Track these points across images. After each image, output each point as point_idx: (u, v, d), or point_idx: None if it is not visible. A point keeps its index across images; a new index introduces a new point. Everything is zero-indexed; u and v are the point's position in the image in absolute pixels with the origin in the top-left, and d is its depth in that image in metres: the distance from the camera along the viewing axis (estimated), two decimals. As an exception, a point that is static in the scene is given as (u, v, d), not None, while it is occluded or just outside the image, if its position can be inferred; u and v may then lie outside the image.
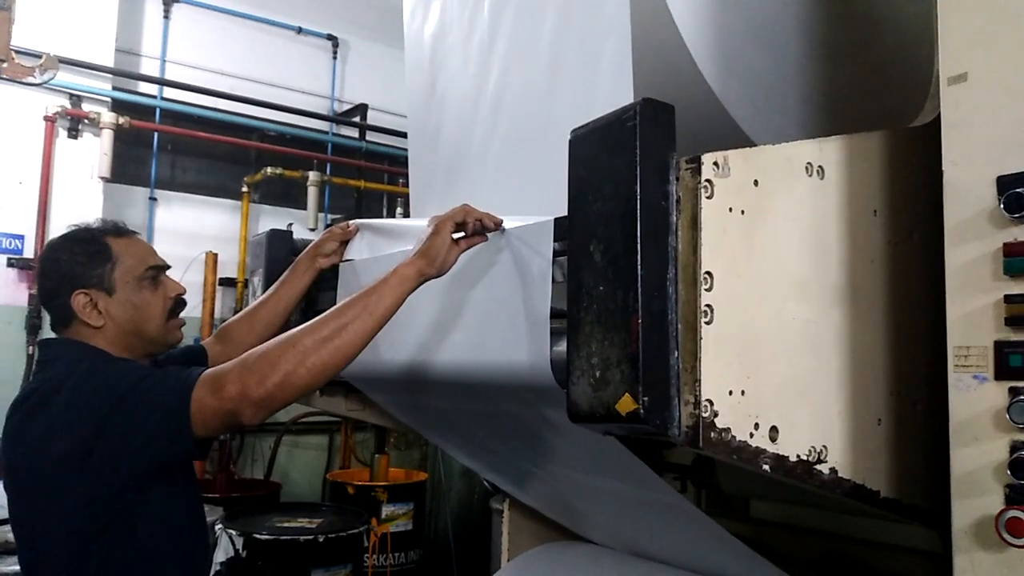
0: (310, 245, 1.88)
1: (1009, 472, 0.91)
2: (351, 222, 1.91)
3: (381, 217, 4.66)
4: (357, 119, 5.28)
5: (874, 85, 1.72)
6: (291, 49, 5.22)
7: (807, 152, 1.11)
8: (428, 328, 1.55)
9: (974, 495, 0.95)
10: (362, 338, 1.33)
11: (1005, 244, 0.93)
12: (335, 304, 1.38)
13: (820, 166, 1.12)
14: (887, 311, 1.16)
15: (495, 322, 1.40)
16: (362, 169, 5.22)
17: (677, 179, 1.00)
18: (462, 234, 1.40)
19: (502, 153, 1.68)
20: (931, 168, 1.05)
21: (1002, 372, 0.94)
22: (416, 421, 2.07)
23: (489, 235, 1.40)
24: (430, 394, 1.78)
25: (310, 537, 3.06)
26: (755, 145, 1.46)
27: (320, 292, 1.90)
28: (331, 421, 4.74)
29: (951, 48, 1.02)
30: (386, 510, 4.00)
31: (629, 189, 0.97)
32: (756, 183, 1.04)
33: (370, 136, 5.29)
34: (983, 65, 0.99)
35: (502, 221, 1.39)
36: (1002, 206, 0.93)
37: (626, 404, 0.95)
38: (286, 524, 3.23)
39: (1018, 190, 0.92)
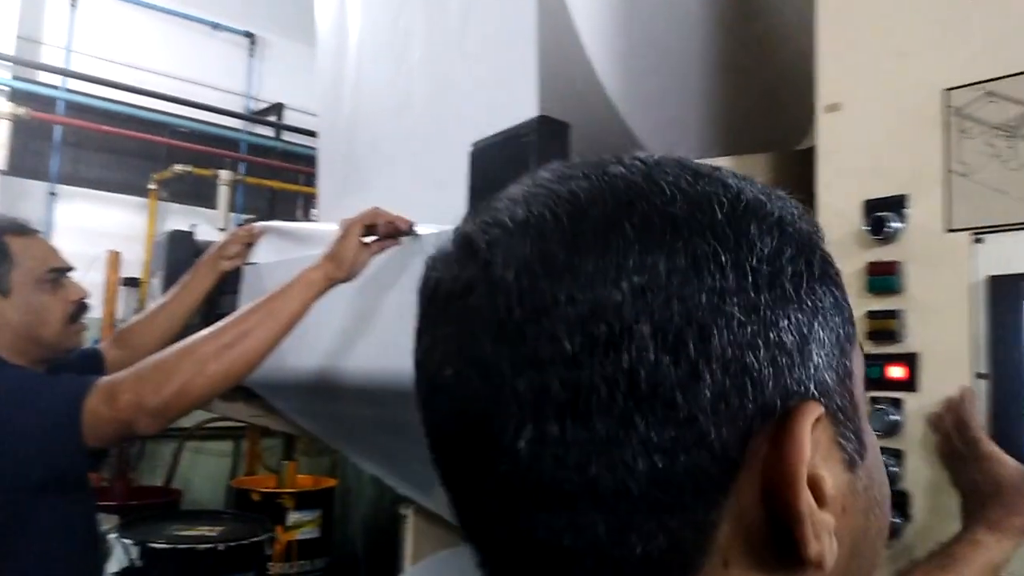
0: (212, 247, 1.85)
1: (867, 476, 0.98)
2: (256, 224, 1.88)
3: (295, 219, 4.59)
4: (273, 118, 5.19)
5: (769, 108, 1.81)
6: (206, 45, 5.09)
7: (696, 171, 1.16)
8: (335, 333, 1.54)
9: (838, 498, 1.01)
10: (266, 344, 1.31)
11: (869, 263, 1.00)
12: (237, 308, 1.36)
13: (708, 185, 1.17)
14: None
15: (403, 328, 1.40)
16: (277, 169, 5.12)
17: (571, 193, 1.03)
18: (373, 237, 1.39)
19: (411, 159, 1.69)
20: (810, 190, 1.12)
21: (864, 384, 1.00)
22: (318, 427, 2.05)
23: (403, 240, 1.40)
24: (334, 400, 1.76)
25: (210, 545, 2.98)
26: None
27: (223, 296, 1.87)
28: (237, 427, 4.61)
29: (827, 79, 1.09)
30: (292, 517, 3.92)
31: (523, 202, 1.00)
32: (646, 199, 1.08)
33: (286, 136, 5.20)
34: (855, 96, 1.06)
35: (414, 223, 1.39)
36: (867, 228, 1.00)
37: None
38: (185, 532, 3.13)
39: (880, 214, 0.99)
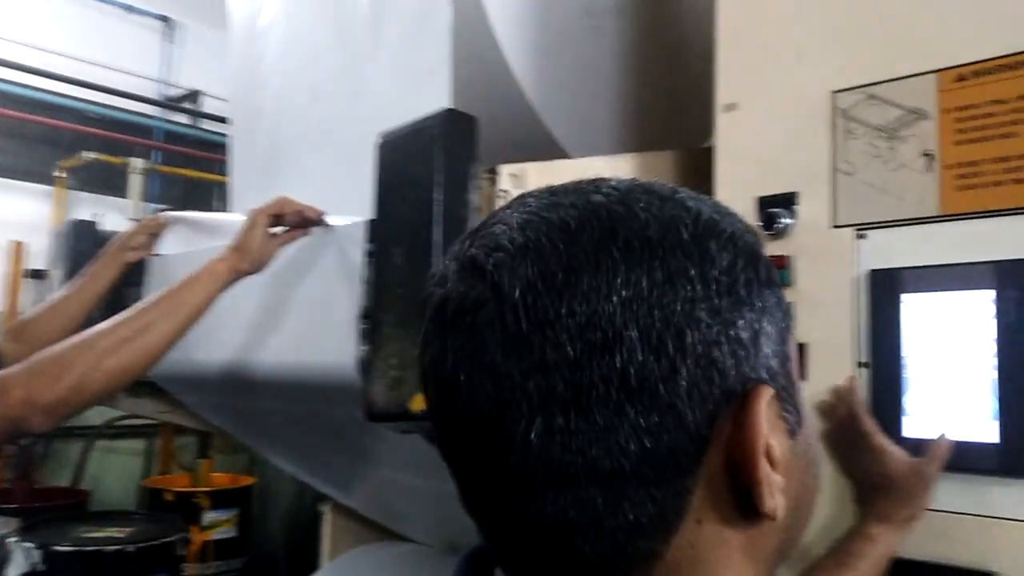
0: (117, 237, 1.78)
1: (758, 462, 1.02)
2: (163, 214, 1.82)
3: (212, 210, 4.47)
4: (189, 105, 5.02)
5: (680, 108, 1.86)
6: (119, 28, 4.89)
7: (600, 167, 1.19)
8: (246, 326, 1.51)
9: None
10: (167, 339, 1.27)
11: (762, 258, 1.04)
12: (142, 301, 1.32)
13: (613, 181, 1.20)
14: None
15: (312, 322, 1.38)
16: (193, 158, 4.96)
17: (478, 188, 1.05)
18: (282, 228, 1.37)
19: (324, 149, 1.67)
20: (711, 187, 1.15)
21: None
22: (229, 423, 2.01)
23: (313, 230, 1.38)
24: (244, 395, 1.73)
25: (118, 547, 2.88)
26: (571, 159, 1.55)
27: (127, 288, 1.80)
28: (149, 424, 4.47)
29: (725, 79, 1.13)
30: (208, 517, 3.83)
31: (429, 195, 1.00)
32: (552, 194, 1.10)
33: (203, 124, 5.05)
34: (751, 96, 1.10)
35: (324, 214, 1.37)
36: (760, 224, 1.04)
37: (419, 403, 0.98)
38: (92, 534, 3.01)
39: (771, 210, 1.03)
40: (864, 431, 0.93)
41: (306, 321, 1.41)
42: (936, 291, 0.92)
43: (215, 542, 3.80)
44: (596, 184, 0.43)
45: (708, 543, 0.41)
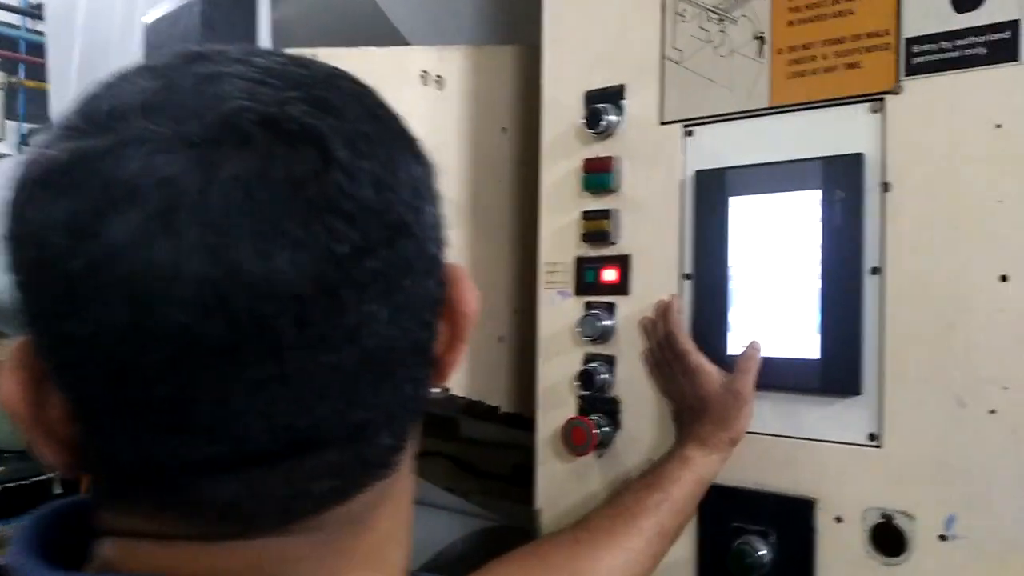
0: None
1: (578, 384, 0.93)
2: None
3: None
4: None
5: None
6: (-27, -77, 4.39)
7: (423, 59, 1.05)
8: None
9: (555, 407, 0.97)
10: None
11: (585, 160, 0.93)
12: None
13: (438, 75, 1.06)
14: (513, 231, 1.15)
15: None
16: (66, 73, 4.56)
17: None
18: None
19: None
20: (545, 84, 1.03)
21: (580, 288, 0.95)
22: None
23: None
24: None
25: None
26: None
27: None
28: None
29: (553, -42, 0.99)
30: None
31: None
32: (357, 87, 0.96)
33: (76, 35, 4.63)
34: (580, -23, 0.97)
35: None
36: (584, 121, 0.93)
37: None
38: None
39: (597, 105, 0.92)
40: (681, 350, 0.85)
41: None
42: (764, 193, 0.83)
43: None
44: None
45: None
